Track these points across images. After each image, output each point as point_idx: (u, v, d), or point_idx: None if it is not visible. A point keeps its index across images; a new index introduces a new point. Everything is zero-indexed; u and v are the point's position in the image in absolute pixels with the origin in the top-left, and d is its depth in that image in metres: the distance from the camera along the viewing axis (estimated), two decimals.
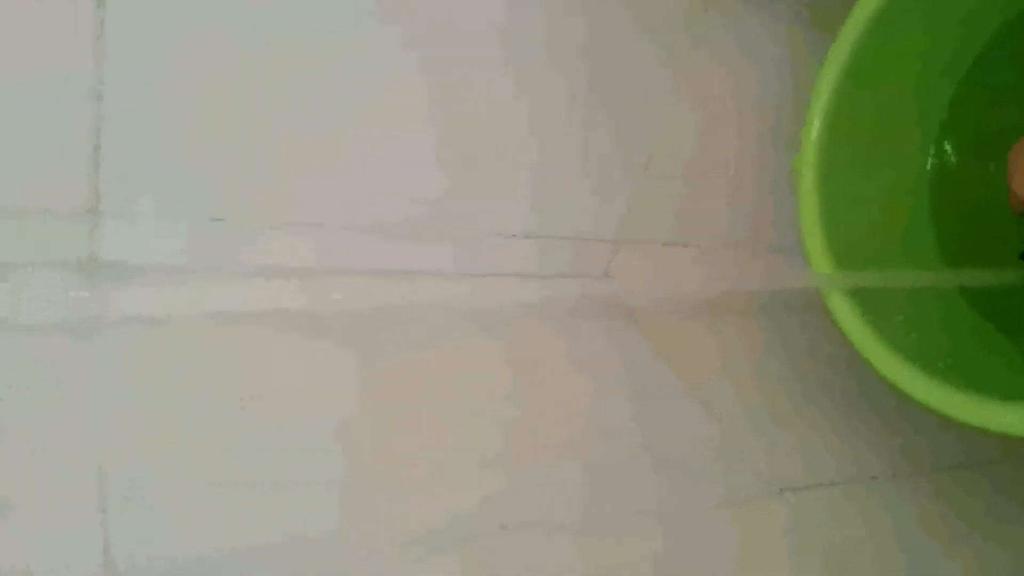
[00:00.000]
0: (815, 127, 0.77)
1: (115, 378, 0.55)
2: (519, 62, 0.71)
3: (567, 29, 0.72)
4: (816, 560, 0.70)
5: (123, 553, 0.50)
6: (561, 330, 0.74)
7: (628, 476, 0.68)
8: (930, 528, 0.76)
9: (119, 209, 0.57)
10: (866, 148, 0.80)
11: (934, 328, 0.77)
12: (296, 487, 0.57)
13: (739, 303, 0.84)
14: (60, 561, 0.49)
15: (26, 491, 0.50)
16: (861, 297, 0.70)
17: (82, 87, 0.54)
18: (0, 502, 0.49)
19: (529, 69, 0.71)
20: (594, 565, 0.62)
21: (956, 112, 0.82)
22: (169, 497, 0.53)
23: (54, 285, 0.53)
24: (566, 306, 0.75)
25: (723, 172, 0.86)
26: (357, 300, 0.58)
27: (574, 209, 0.78)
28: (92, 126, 0.55)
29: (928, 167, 0.84)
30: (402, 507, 0.59)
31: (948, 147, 0.84)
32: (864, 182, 0.80)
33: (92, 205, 0.56)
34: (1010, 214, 0.72)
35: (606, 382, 0.74)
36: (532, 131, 0.73)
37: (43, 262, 0.55)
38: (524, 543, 0.60)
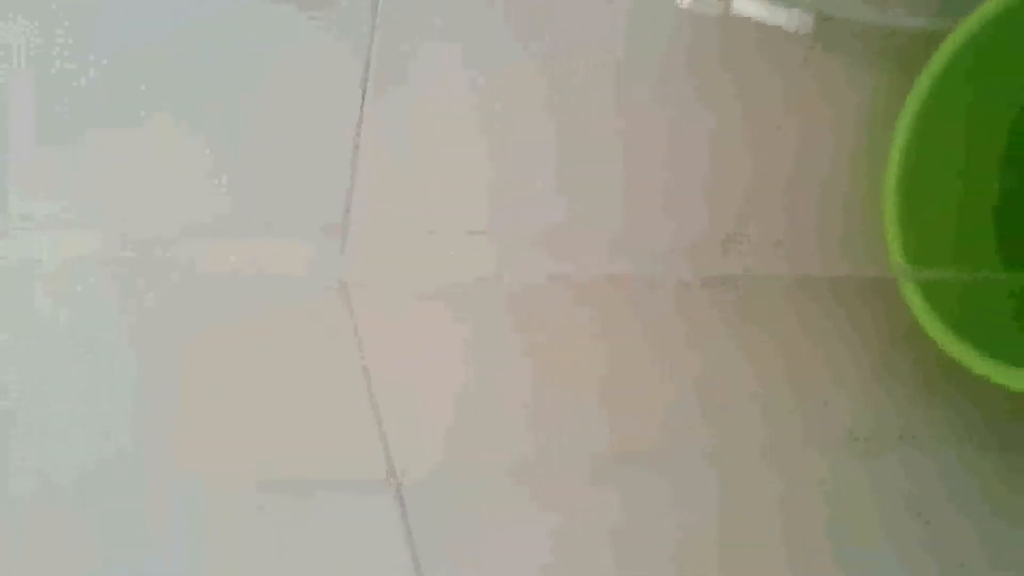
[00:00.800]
0: (898, 150, 0.92)
1: None
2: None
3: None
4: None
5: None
6: None
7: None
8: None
9: None
10: (938, 167, 0.94)
11: (983, 314, 0.90)
12: None
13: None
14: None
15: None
16: (929, 288, 0.85)
17: None
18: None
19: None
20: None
21: (1014, 141, 0.96)
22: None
23: None
24: None
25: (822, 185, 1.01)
26: None
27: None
28: None
29: (995, 185, 0.98)
30: None
31: (1009, 172, 0.97)
32: (937, 194, 0.94)
33: None
34: None
35: None
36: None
37: None
38: None
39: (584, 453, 0.75)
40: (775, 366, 0.93)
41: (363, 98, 0.77)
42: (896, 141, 0.93)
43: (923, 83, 0.90)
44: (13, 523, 0.56)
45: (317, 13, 0.73)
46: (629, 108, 0.88)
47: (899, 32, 0.92)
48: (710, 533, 0.72)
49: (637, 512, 0.72)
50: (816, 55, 0.90)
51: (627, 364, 0.87)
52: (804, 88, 0.93)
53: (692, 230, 1.00)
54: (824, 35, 0.87)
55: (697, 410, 0.84)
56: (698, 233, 1.00)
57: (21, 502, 0.58)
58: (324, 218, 0.83)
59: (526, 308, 0.89)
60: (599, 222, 0.96)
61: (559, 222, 0.93)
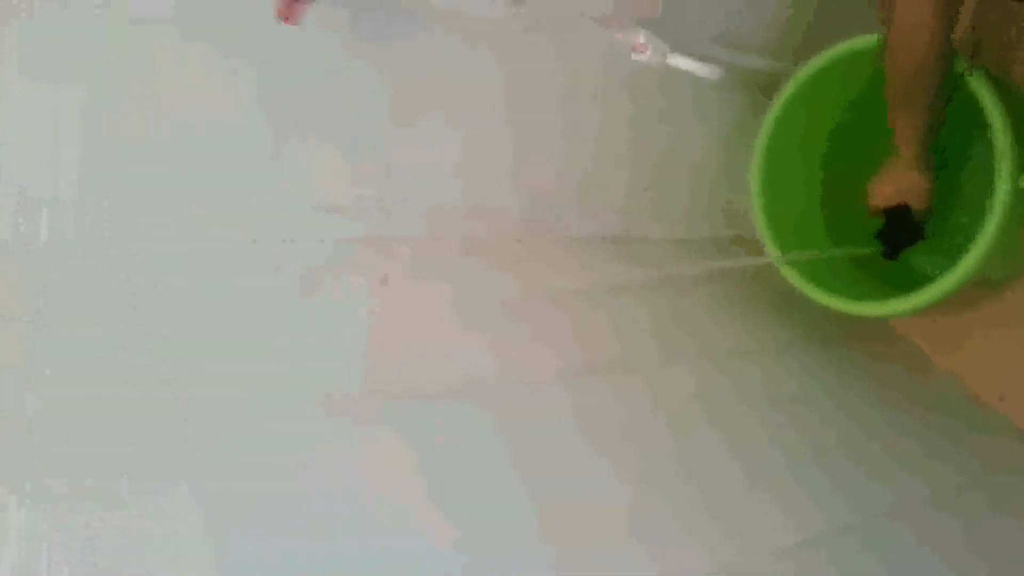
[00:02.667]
0: (760, 152, 1.32)
1: None
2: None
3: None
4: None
5: None
6: None
7: None
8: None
9: None
10: (788, 167, 1.36)
11: (831, 275, 1.33)
12: None
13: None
14: None
15: None
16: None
17: None
18: None
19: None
20: None
21: (835, 145, 1.40)
22: None
23: None
24: None
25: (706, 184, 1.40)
26: None
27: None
28: None
29: (820, 180, 1.41)
30: None
31: (833, 168, 1.41)
32: (788, 189, 1.36)
33: None
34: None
35: None
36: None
37: None
38: None
39: None
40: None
41: None
42: (757, 147, 1.33)
43: (773, 110, 1.31)
44: None
45: None
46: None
47: (759, 71, 1.32)
48: None
49: None
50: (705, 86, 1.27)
51: None
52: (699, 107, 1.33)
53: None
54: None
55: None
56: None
57: None
58: None
59: None
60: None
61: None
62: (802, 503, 1.01)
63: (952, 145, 1.27)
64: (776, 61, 1.33)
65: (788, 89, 1.30)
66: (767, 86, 1.32)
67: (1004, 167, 1.09)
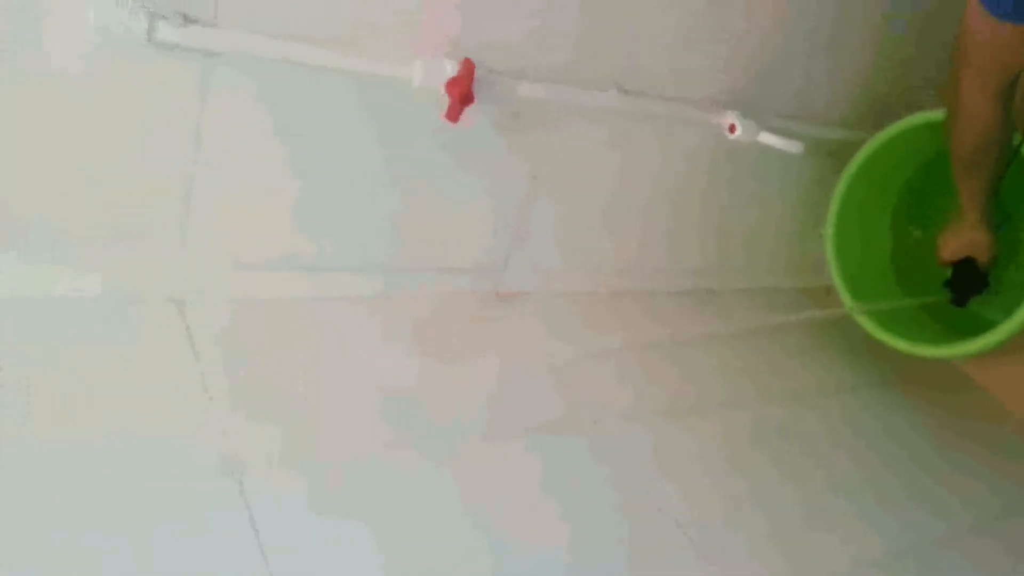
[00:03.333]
0: (834, 209, 1.49)
1: None
2: None
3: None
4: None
5: None
6: None
7: None
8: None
9: None
10: (860, 221, 1.52)
11: (902, 323, 1.49)
12: None
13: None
14: None
15: None
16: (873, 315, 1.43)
17: None
18: None
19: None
20: None
21: (905, 204, 1.57)
22: None
23: None
24: None
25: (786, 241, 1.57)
26: None
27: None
28: None
29: (891, 236, 1.58)
30: None
31: (904, 224, 1.58)
32: (860, 241, 1.52)
33: None
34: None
35: None
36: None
37: None
38: None
39: None
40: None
41: None
42: (832, 207, 1.50)
43: (848, 172, 1.48)
44: None
45: None
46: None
47: (833, 140, 1.49)
48: None
49: None
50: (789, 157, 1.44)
51: None
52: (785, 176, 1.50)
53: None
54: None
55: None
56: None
57: None
58: None
59: None
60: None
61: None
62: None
63: (1013, 204, 1.43)
64: (850, 130, 1.50)
65: (860, 156, 1.47)
66: (841, 152, 1.49)
67: None
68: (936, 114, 1.33)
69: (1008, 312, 1.28)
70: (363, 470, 0.91)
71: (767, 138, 1.31)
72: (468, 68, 1.02)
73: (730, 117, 1.30)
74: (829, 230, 1.51)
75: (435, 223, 1.21)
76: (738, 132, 1.29)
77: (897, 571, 1.09)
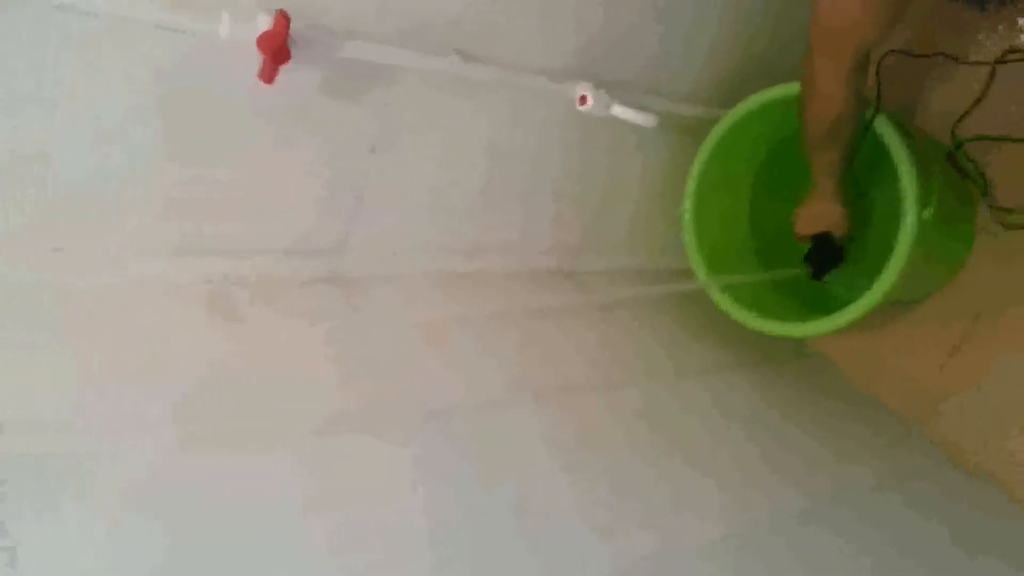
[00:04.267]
0: (691, 188, 1.45)
1: None
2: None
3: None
4: None
5: None
6: None
7: None
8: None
9: None
10: (717, 199, 1.48)
11: (758, 298, 1.46)
12: None
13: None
14: None
15: None
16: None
17: None
18: None
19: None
20: None
21: (763, 179, 1.54)
22: None
23: None
24: None
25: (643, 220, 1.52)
26: None
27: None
28: None
29: (749, 212, 1.55)
30: None
31: (761, 197, 1.55)
32: (718, 219, 1.49)
33: None
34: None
35: None
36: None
37: None
38: None
39: None
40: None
41: None
42: (689, 184, 1.46)
43: (703, 149, 1.44)
44: None
45: None
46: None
47: (692, 116, 1.45)
48: None
49: None
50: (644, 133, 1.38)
51: None
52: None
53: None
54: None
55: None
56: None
57: None
58: None
59: None
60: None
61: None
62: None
63: (867, 178, 1.42)
64: (708, 106, 1.46)
65: (716, 131, 1.43)
66: (702, 129, 1.44)
67: (908, 201, 1.23)
68: (793, 87, 1.30)
69: (865, 286, 1.26)
70: None
71: (620, 111, 1.24)
72: (282, 21, 0.91)
73: (582, 89, 1.23)
74: (686, 208, 1.46)
75: (258, 200, 1.10)
76: (590, 104, 1.22)
77: (767, 545, 1.08)
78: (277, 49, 0.92)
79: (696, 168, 1.45)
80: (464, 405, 1.11)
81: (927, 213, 1.22)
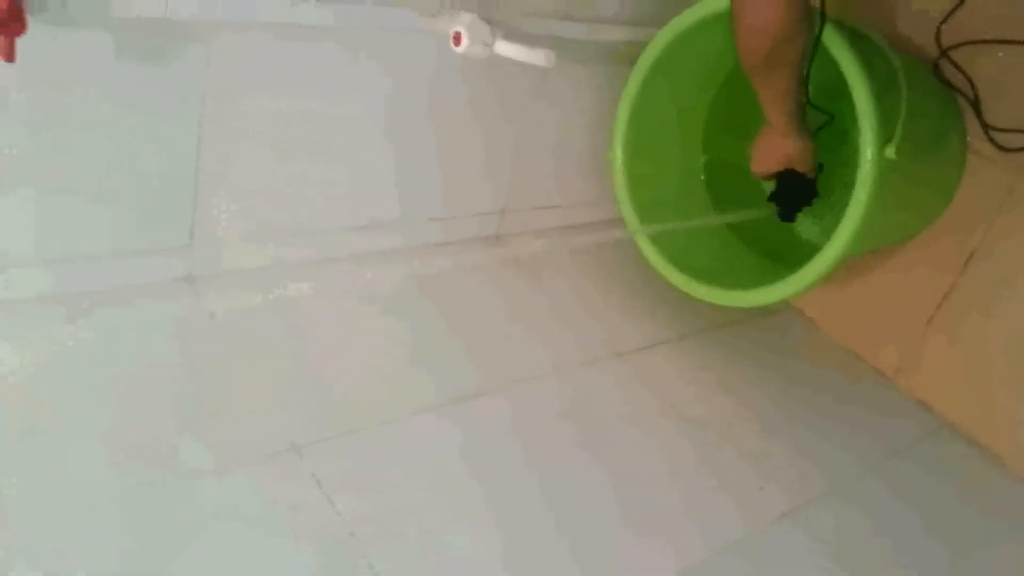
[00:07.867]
0: (619, 132, 1.22)
1: None
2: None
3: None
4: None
5: None
6: None
7: None
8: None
9: None
10: (652, 142, 1.25)
11: (706, 252, 1.24)
12: None
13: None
14: None
15: None
16: (659, 240, 1.17)
17: None
18: None
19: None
20: None
21: (717, 115, 1.30)
22: None
23: None
24: None
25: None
26: None
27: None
28: None
29: (702, 148, 1.31)
30: None
31: (716, 139, 1.32)
32: (653, 164, 1.26)
33: None
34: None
35: None
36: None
37: None
38: None
39: None
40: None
41: None
42: (617, 121, 1.23)
43: (631, 83, 1.20)
44: None
45: None
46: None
47: (618, 43, 1.21)
48: None
49: None
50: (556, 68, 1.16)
51: None
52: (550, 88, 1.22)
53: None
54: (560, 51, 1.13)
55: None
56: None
57: None
58: None
59: None
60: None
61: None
62: None
63: (834, 90, 1.17)
64: (636, 28, 1.21)
65: (643, 60, 1.19)
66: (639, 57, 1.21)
67: (867, 136, 1.00)
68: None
69: (832, 226, 1.04)
70: None
71: (507, 49, 1.01)
72: None
73: (458, 24, 1.00)
74: (616, 154, 1.24)
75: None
76: (465, 44, 1.00)
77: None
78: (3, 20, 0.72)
79: (624, 105, 1.22)
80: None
81: (890, 150, 0.99)
